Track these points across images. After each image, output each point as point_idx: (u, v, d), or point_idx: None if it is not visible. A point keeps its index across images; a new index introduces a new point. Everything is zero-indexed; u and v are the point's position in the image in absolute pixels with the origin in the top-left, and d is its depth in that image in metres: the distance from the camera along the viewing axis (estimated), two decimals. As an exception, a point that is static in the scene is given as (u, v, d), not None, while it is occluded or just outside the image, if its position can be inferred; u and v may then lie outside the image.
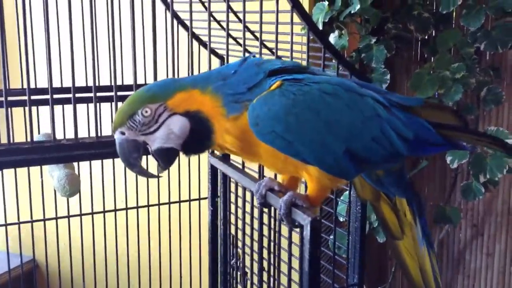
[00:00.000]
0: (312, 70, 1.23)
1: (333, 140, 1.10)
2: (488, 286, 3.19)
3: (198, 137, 1.13)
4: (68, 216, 2.30)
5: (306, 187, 1.25)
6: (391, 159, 1.19)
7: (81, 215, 2.32)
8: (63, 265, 2.37)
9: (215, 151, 1.22)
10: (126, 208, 2.40)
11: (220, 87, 1.12)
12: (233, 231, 1.71)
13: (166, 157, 1.14)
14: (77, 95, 1.43)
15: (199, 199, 2.44)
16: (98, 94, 1.45)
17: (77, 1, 1.85)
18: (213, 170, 1.55)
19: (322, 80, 1.15)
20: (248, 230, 1.56)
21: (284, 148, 1.09)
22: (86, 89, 2.00)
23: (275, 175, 1.50)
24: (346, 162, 1.12)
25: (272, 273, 1.48)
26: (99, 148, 1.36)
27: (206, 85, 1.13)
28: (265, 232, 1.50)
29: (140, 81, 1.72)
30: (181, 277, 2.55)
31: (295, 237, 1.52)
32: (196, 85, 1.13)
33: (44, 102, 1.85)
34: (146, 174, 1.17)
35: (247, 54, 1.69)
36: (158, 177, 1.19)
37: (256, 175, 1.57)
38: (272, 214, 1.48)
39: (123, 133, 1.12)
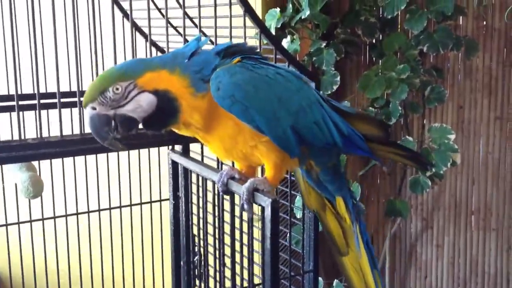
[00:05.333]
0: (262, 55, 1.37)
1: (282, 114, 1.23)
2: (439, 277, 3.34)
3: (164, 114, 1.21)
4: (31, 221, 2.32)
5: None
6: (328, 146, 1.32)
7: (43, 219, 2.34)
8: (25, 268, 2.37)
9: (177, 131, 1.28)
10: (88, 212, 2.43)
11: (187, 66, 1.21)
12: (195, 231, 1.77)
13: (127, 126, 1.20)
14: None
15: (160, 200, 2.49)
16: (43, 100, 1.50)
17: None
18: (174, 165, 1.63)
19: (276, 65, 1.32)
20: (210, 229, 1.63)
21: (241, 113, 1.19)
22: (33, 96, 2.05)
23: (233, 164, 1.59)
24: (291, 136, 1.24)
25: (232, 263, 1.56)
26: (64, 146, 1.41)
27: (173, 65, 1.21)
28: (226, 229, 1.57)
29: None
30: (144, 279, 2.59)
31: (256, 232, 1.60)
32: (164, 65, 1.21)
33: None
34: (116, 146, 1.22)
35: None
36: (126, 149, 1.27)
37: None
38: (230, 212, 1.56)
39: (94, 108, 1.18)
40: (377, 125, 1.43)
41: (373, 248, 1.59)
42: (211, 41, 1.91)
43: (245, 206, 1.25)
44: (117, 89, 1.17)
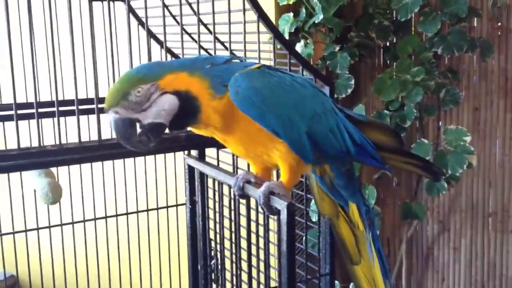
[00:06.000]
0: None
1: (298, 118, 1.25)
2: (456, 280, 3.32)
3: (186, 114, 1.23)
4: (49, 227, 2.35)
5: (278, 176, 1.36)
6: (342, 154, 1.34)
7: (61, 225, 2.37)
8: (45, 274, 2.40)
9: (196, 131, 1.30)
10: (106, 217, 2.46)
11: (208, 70, 1.24)
12: (211, 235, 1.79)
13: (156, 131, 1.22)
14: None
15: (176, 205, 2.52)
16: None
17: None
18: (190, 170, 1.65)
19: (292, 74, 1.35)
20: (226, 232, 1.64)
21: (258, 116, 1.21)
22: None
23: (248, 168, 1.60)
24: (306, 142, 1.26)
25: (249, 267, 1.57)
26: (82, 153, 1.44)
27: (193, 69, 1.23)
28: (243, 233, 1.59)
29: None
30: (161, 283, 2.61)
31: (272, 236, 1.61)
32: (184, 68, 1.23)
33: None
34: (140, 147, 1.23)
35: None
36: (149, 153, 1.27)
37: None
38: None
39: (116, 112, 1.18)
40: (390, 133, 1.44)
41: (386, 259, 1.57)
42: (225, 47, 1.94)
43: (264, 210, 1.26)
44: (139, 92, 1.18)
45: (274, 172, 1.59)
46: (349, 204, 1.49)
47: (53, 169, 2.11)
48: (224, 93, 1.23)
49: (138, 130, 1.22)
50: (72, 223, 2.42)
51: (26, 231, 2.34)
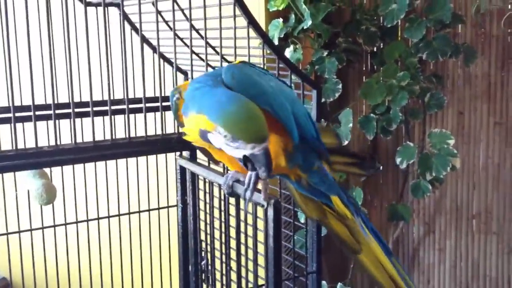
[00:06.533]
0: None
1: (284, 99, 1.32)
2: (442, 280, 3.39)
3: None
4: (42, 228, 2.37)
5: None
6: (313, 140, 1.41)
7: (54, 226, 2.39)
8: (38, 276, 2.42)
9: (189, 139, 1.33)
10: (98, 218, 2.49)
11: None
12: (202, 236, 1.83)
13: None
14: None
15: (168, 207, 2.55)
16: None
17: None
18: (182, 171, 1.70)
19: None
20: (216, 232, 1.69)
21: (256, 94, 1.24)
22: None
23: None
24: (293, 120, 1.32)
25: (238, 265, 1.62)
26: (78, 153, 1.49)
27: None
28: (232, 232, 1.63)
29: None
30: (152, 284, 2.64)
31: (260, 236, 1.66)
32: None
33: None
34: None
35: (209, 69, 1.85)
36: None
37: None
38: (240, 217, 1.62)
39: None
40: (333, 135, 1.57)
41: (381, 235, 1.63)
42: (216, 51, 1.99)
43: (248, 193, 1.30)
44: None
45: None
46: (332, 198, 1.54)
47: (47, 170, 2.14)
48: None
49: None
50: (65, 224, 2.44)
51: (19, 232, 2.36)
